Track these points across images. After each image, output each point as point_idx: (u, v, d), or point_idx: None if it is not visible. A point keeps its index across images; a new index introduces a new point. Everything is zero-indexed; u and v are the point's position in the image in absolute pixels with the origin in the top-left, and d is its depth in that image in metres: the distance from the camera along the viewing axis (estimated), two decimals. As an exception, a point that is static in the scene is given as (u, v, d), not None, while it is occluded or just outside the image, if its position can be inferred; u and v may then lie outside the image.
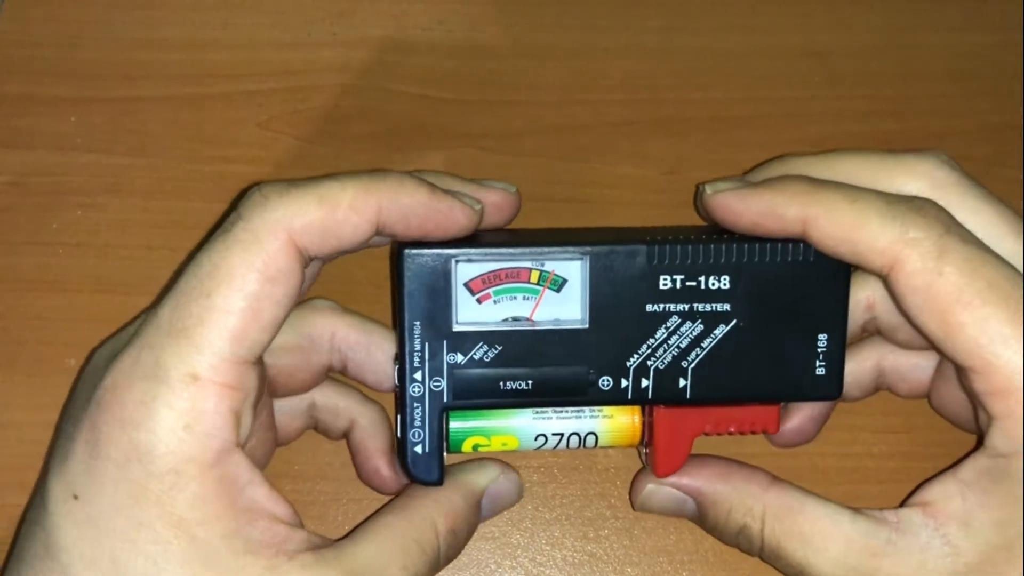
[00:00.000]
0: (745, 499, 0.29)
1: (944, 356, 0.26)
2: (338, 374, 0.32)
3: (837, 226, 0.26)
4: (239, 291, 0.25)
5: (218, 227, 0.27)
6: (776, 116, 0.37)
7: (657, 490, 0.30)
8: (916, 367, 0.31)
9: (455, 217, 0.28)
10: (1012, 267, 0.26)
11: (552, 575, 0.34)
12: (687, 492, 0.30)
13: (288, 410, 0.31)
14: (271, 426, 0.30)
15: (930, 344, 0.27)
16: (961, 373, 0.26)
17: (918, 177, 0.28)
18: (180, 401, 0.25)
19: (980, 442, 0.27)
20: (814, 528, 0.28)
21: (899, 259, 0.26)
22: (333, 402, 0.31)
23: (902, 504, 0.28)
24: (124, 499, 0.25)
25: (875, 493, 0.34)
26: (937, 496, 0.27)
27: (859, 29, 0.38)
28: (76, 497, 0.25)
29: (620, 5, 0.37)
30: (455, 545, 0.29)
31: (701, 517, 0.30)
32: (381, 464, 0.31)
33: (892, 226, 0.26)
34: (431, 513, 0.28)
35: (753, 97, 0.37)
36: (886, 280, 0.27)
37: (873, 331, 0.32)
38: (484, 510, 0.30)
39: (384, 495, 0.32)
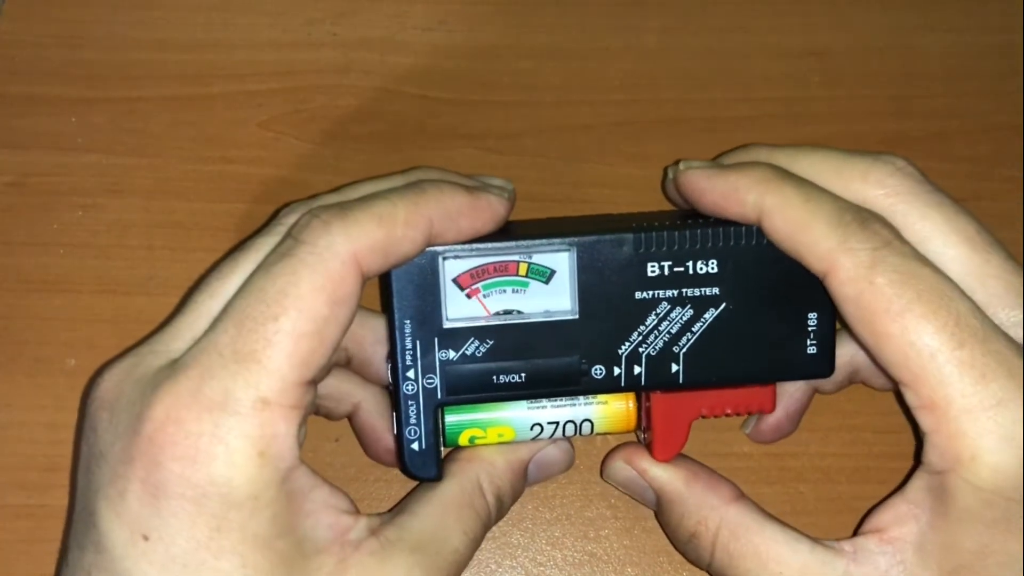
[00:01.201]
0: (702, 508, 0.29)
1: (879, 367, 0.26)
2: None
3: (786, 222, 0.27)
4: (308, 314, 0.25)
5: (242, 244, 0.28)
6: (776, 116, 0.37)
7: (624, 468, 0.30)
8: None
9: (495, 210, 0.28)
10: (947, 279, 0.26)
11: (552, 575, 0.34)
12: (649, 482, 0.30)
13: None
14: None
15: (865, 352, 0.27)
16: (896, 385, 0.26)
17: (870, 183, 0.28)
18: (253, 428, 0.25)
19: (918, 457, 0.27)
20: (770, 551, 0.27)
21: (834, 266, 0.26)
22: (335, 389, 0.31)
23: (855, 532, 0.28)
24: (204, 532, 0.24)
25: (875, 493, 0.33)
26: (890, 521, 0.27)
27: (859, 29, 0.38)
28: (146, 538, 0.24)
29: (620, 5, 0.37)
30: (501, 509, 0.30)
31: (658, 512, 0.30)
32: (391, 441, 0.31)
33: (835, 233, 0.26)
34: (478, 477, 0.29)
35: (753, 97, 0.37)
36: (824, 284, 0.27)
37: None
38: (531, 476, 0.31)
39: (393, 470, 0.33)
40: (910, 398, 0.26)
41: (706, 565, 0.29)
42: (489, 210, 0.28)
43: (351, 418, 0.32)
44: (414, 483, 0.30)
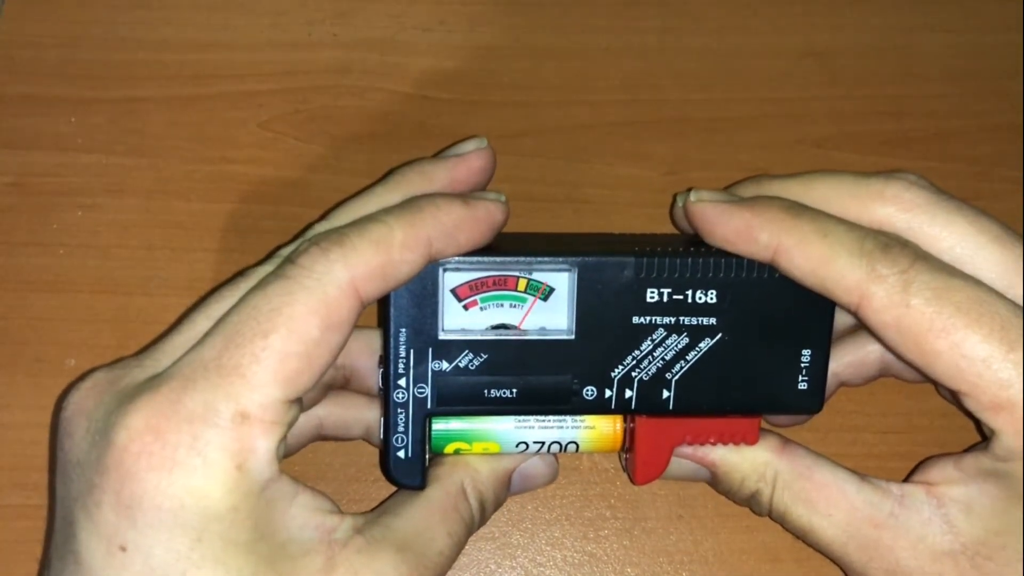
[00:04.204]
0: (757, 466, 0.29)
1: (931, 381, 0.27)
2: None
3: (807, 259, 0.27)
4: (299, 335, 0.25)
5: (239, 274, 0.28)
6: (776, 116, 0.37)
7: (674, 459, 0.31)
8: None
9: (494, 218, 0.28)
10: (981, 285, 0.26)
11: (552, 575, 0.34)
12: (701, 463, 0.30)
13: (297, 431, 0.31)
14: None
15: (915, 370, 0.27)
16: (952, 394, 0.27)
17: (887, 201, 0.28)
18: (231, 442, 0.25)
19: (982, 438, 0.27)
20: (820, 495, 0.28)
21: (865, 296, 0.26)
22: (341, 418, 0.31)
23: (906, 479, 0.28)
24: (184, 543, 0.24)
25: (875, 493, 0.34)
26: (940, 478, 0.27)
27: (859, 29, 0.38)
28: (123, 549, 0.24)
29: (620, 5, 0.37)
30: (483, 516, 0.30)
31: (715, 482, 0.31)
32: None
33: (860, 263, 0.26)
34: (462, 482, 0.29)
35: (753, 97, 0.37)
36: (856, 316, 0.27)
37: None
38: (514, 486, 0.31)
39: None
40: (970, 404, 0.26)
41: (766, 514, 0.30)
42: (487, 220, 0.28)
43: (367, 440, 0.32)
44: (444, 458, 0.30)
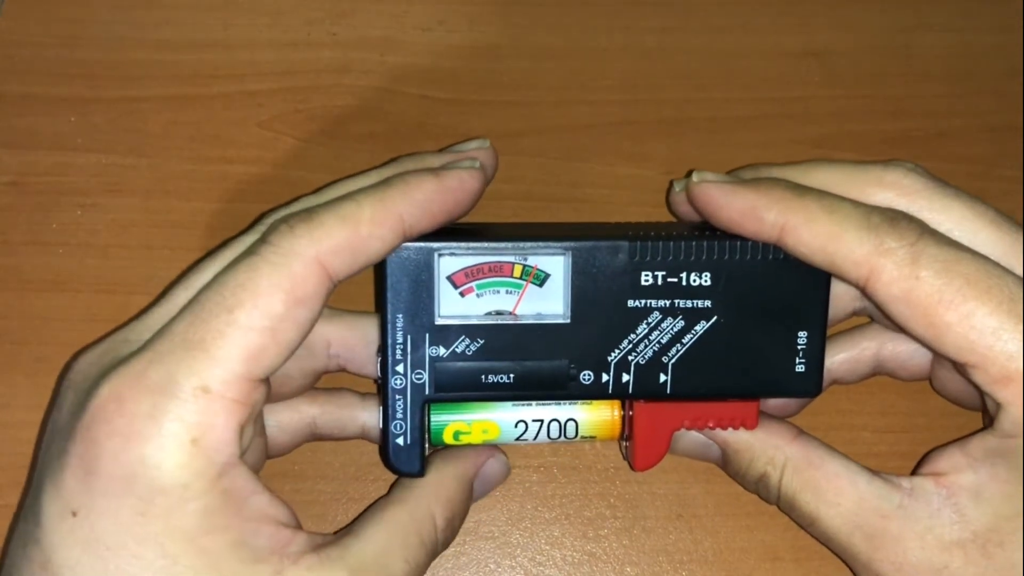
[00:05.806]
0: (768, 449, 0.29)
1: (938, 355, 0.27)
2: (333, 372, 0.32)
3: (815, 236, 0.27)
4: (263, 310, 0.25)
5: (221, 247, 0.28)
6: (776, 116, 0.37)
7: (684, 433, 0.31)
8: (916, 353, 0.31)
9: (467, 187, 0.28)
10: (988, 259, 0.26)
11: (552, 575, 0.34)
12: (713, 439, 0.30)
13: (290, 429, 0.31)
14: (262, 432, 0.30)
15: (922, 345, 0.27)
16: (959, 368, 0.27)
17: (886, 187, 0.28)
18: (190, 415, 0.25)
19: (988, 422, 0.27)
20: (830, 484, 0.28)
21: (875, 269, 0.26)
22: (335, 418, 0.31)
23: (913, 472, 0.28)
24: (128, 514, 0.24)
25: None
26: (948, 467, 0.27)
27: (859, 29, 0.38)
28: (75, 514, 0.25)
29: (620, 5, 0.37)
30: (451, 533, 0.30)
31: (724, 462, 0.31)
32: None
33: (868, 237, 0.26)
34: (429, 504, 0.29)
35: (753, 97, 0.37)
36: (864, 290, 0.27)
37: (865, 318, 0.32)
38: (476, 491, 0.31)
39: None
40: (979, 377, 0.26)
41: (774, 500, 0.30)
42: (460, 190, 0.28)
43: (364, 438, 0.32)
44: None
